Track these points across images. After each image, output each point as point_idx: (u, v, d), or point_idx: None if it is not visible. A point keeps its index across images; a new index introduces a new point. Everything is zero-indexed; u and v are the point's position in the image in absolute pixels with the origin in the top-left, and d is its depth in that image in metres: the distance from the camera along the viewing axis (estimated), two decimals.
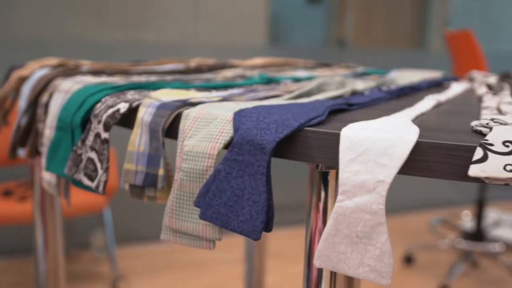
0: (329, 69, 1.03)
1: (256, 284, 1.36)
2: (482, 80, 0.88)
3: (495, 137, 0.43)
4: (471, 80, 0.94)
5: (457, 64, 2.24)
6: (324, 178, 0.53)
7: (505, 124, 0.50)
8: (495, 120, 0.51)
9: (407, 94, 0.77)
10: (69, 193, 0.74)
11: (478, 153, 0.42)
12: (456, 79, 0.99)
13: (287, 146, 0.49)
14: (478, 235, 2.39)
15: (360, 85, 0.77)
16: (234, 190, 0.48)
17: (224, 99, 0.61)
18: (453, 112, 0.63)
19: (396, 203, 3.21)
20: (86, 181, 0.63)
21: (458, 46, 2.20)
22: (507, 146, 0.42)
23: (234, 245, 2.55)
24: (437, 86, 0.92)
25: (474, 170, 0.41)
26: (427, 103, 0.65)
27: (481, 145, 0.42)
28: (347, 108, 0.60)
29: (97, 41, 2.56)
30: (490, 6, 3.94)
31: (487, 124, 0.48)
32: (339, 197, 0.45)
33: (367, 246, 0.44)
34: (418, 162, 0.45)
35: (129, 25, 2.69)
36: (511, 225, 2.58)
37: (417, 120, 0.55)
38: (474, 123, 0.51)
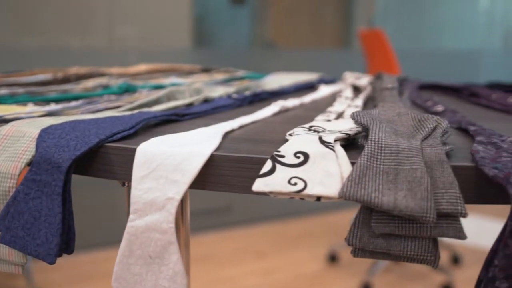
0: (207, 74, 1.01)
1: None
2: (352, 81, 0.87)
3: (288, 147, 0.42)
4: (344, 81, 0.93)
5: (371, 63, 2.26)
6: None
7: (322, 131, 0.49)
8: (312, 127, 0.50)
9: (265, 100, 0.75)
10: None
11: (267, 165, 0.40)
12: (332, 81, 0.98)
13: (89, 163, 0.46)
14: None
15: (219, 91, 0.75)
16: (31, 212, 0.45)
17: (49, 114, 0.58)
18: (292, 119, 0.61)
19: (319, 203, 3.22)
20: None
21: (371, 45, 2.22)
22: (298, 157, 0.41)
23: None
24: (309, 88, 0.91)
25: (258, 185, 0.39)
26: (269, 109, 0.63)
27: (272, 157, 0.41)
28: (177, 119, 0.57)
29: (22, 48, 2.48)
30: (414, 5, 4.01)
31: (292, 133, 0.47)
32: (130, 217, 0.42)
33: (160, 267, 0.42)
34: (214, 177, 0.43)
35: (53, 30, 2.61)
36: None
37: (241, 130, 0.54)
38: (289, 132, 0.49)
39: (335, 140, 0.43)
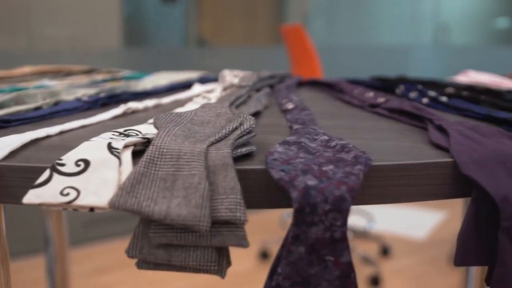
0: (87, 75, 0.98)
1: None
2: (230, 79, 0.85)
3: (72, 155, 0.39)
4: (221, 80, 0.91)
5: (293, 59, 2.26)
6: None
7: (135, 135, 0.46)
8: (127, 131, 0.47)
9: (126, 101, 0.72)
10: None
11: (44, 175, 0.37)
12: (214, 79, 0.96)
13: None
14: None
15: (78, 93, 0.72)
16: None
17: None
18: (132, 122, 0.59)
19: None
20: None
21: (292, 41, 2.22)
22: (79, 166, 0.38)
23: (85, 257, 2.46)
24: (186, 88, 0.89)
25: (29, 197, 0.36)
26: (110, 112, 0.61)
27: (52, 166, 0.38)
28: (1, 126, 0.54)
29: None
30: (348, 1, 4.04)
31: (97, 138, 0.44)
32: None
33: None
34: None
35: None
36: (358, 212, 2.65)
37: (61, 136, 0.51)
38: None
39: (127, 146, 0.41)
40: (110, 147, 0.40)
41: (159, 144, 0.38)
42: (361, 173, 0.38)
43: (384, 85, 0.84)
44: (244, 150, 0.41)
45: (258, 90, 0.73)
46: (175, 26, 3.63)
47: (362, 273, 2.28)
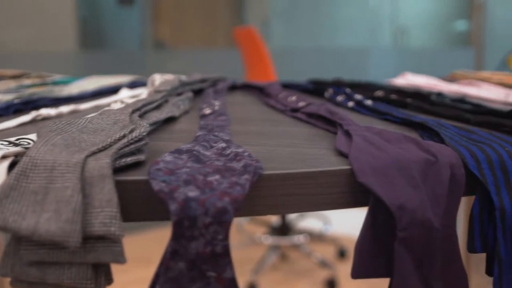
0: (16, 80, 0.94)
1: None
2: (159, 83, 0.83)
3: None
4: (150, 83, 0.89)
5: (246, 61, 2.24)
6: None
7: (27, 144, 0.44)
8: (19, 140, 0.45)
9: (46, 106, 0.70)
10: None
11: None
12: (145, 84, 0.94)
13: None
14: (284, 229, 2.42)
15: None
16: None
17: None
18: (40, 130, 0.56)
19: None
20: None
21: (244, 44, 2.20)
22: None
23: None
24: (116, 92, 0.86)
25: None
26: (18, 119, 0.58)
27: None
28: None
29: None
30: (308, 4, 4.05)
31: None
32: None
33: None
34: None
35: None
36: (314, 215, 2.65)
37: None
38: None
39: (6, 157, 0.39)
40: None
41: (33, 155, 0.36)
42: (247, 183, 0.36)
43: (316, 88, 0.83)
44: (129, 159, 0.39)
45: (179, 94, 0.72)
46: (132, 28, 3.59)
47: (318, 277, 2.28)
